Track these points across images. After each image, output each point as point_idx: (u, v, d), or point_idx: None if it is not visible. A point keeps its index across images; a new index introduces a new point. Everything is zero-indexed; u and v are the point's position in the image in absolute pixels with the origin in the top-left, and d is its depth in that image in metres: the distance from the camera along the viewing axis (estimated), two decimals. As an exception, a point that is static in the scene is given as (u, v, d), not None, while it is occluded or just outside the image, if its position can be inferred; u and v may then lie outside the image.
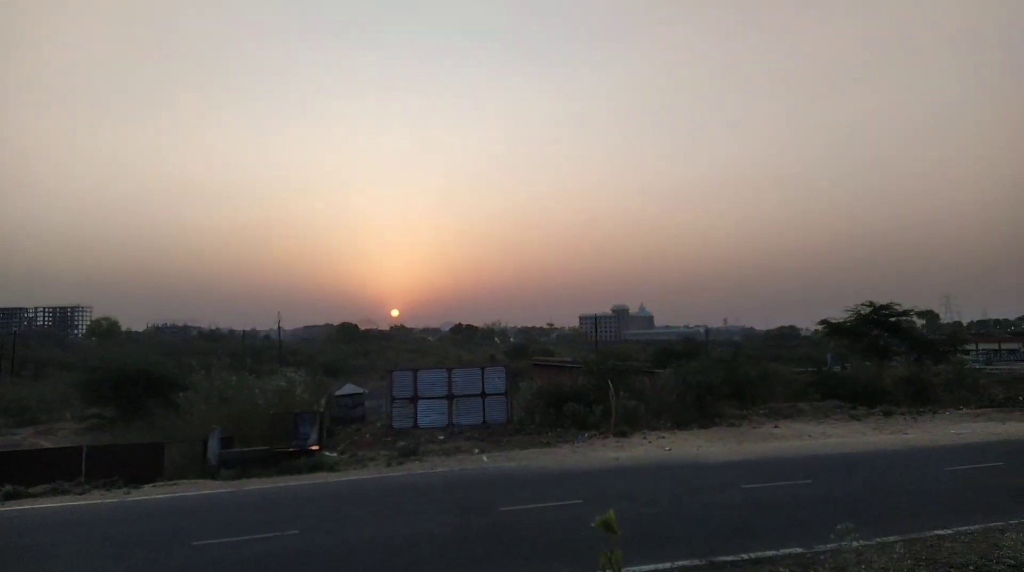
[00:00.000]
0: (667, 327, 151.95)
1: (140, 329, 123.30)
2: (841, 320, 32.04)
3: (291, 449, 17.14)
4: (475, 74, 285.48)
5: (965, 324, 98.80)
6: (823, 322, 33.53)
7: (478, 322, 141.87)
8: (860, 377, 28.88)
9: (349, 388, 30.67)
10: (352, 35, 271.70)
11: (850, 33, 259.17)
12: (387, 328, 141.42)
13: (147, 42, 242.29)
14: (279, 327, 71.34)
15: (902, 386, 26.55)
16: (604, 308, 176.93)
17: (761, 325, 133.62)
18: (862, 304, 31.14)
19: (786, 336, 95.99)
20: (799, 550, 8.18)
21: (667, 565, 7.90)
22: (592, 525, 2.93)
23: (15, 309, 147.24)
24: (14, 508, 12.98)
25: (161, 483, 15.06)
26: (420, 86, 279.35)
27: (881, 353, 30.67)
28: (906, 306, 31.02)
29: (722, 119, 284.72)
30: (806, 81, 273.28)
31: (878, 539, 8.63)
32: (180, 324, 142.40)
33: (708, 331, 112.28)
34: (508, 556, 8.55)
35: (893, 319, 30.60)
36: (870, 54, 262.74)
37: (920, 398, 25.00)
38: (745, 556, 8.15)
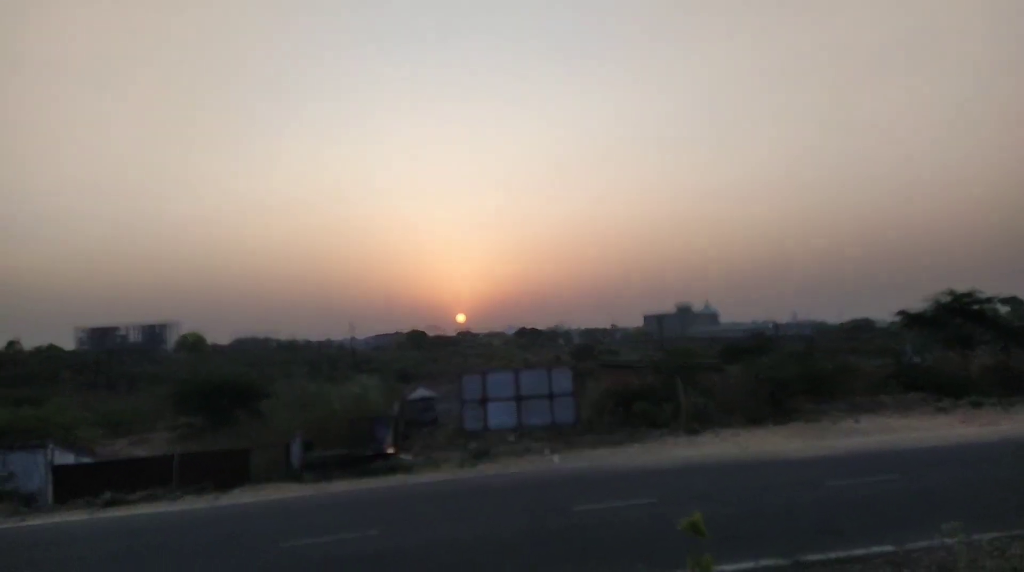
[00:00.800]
0: (733, 323, 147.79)
1: (224, 342, 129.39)
2: (920, 310, 30.55)
3: (369, 453, 17.69)
4: (532, 79, 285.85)
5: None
6: (901, 313, 32.02)
7: (542, 325, 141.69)
8: (943, 368, 27.40)
9: (421, 392, 31.28)
10: (413, 45, 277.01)
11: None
12: (454, 333, 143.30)
13: (217, 62, 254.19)
14: (352, 336, 73.65)
15: (989, 376, 25.01)
16: (668, 307, 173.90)
17: (833, 318, 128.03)
18: (942, 292, 29.65)
19: (861, 328, 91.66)
20: (891, 548, 7.88)
21: (750, 565, 7.77)
22: (679, 528, 2.94)
23: (109, 328, 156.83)
24: (114, 514, 13.94)
25: (248, 487, 15.84)
26: (481, 92, 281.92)
27: (964, 342, 29.05)
28: (989, 293, 29.37)
29: (781, 111, 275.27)
30: (852, 69, 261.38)
31: (976, 535, 8.24)
32: (261, 336, 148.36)
33: (777, 326, 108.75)
34: (584, 556, 8.58)
35: (976, 306, 28.96)
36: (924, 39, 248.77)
37: (1010, 388, 23.52)
38: (833, 555, 7.92)
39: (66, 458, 17.89)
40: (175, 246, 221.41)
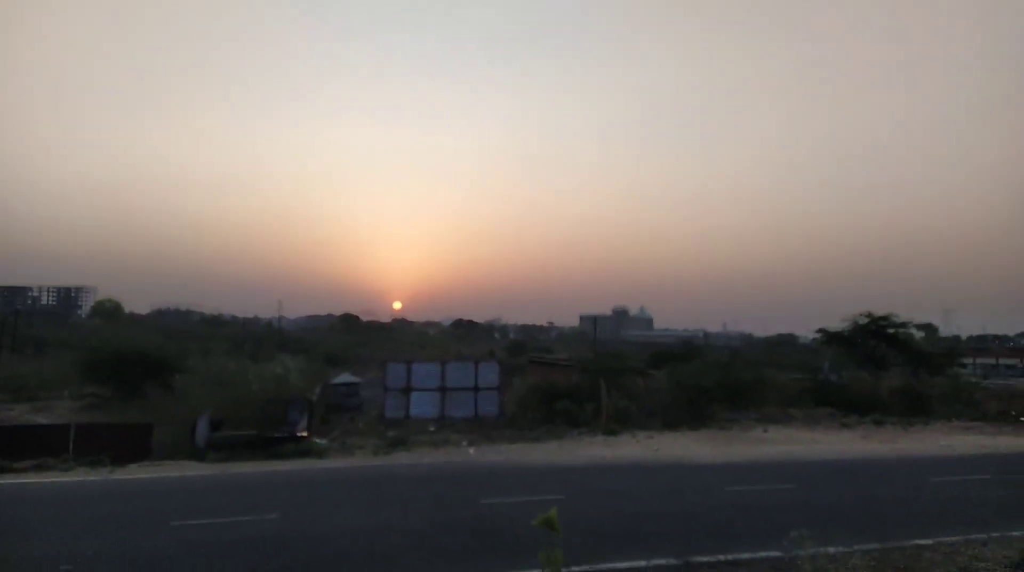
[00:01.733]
0: (667, 329, 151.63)
1: (144, 312, 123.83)
2: (839, 329, 32.01)
3: (279, 435, 17.18)
4: (485, 71, 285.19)
5: (964, 338, 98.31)
6: (820, 330, 33.51)
7: (479, 318, 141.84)
8: (855, 386, 28.81)
9: (345, 377, 30.72)
10: (358, 22, 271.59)
11: (862, 40, 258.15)
12: (389, 320, 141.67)
13: (153, 31, 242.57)
14: (280, 315, 71.73)
15: (897, 397, 26.45)
16: (605, 309, 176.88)
17: (761, 331, 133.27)
18: (860, 314, 31.14)
19: (784, 343, 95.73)
20: (776, 554, 8.14)
21: (643, 563, 7.89)
22: (533, 523, 2.88)
23: (19, 287, 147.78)
24: (-2, 482, 13.05)
25: (147, 463, 15.12)
26: (428, 79, 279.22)
27: (878, 363, 30.62)
28: (906, 318, 31.05)
29: (729, 126, 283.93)
30: (810, 89, 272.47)
31: (858, 546, 8.62)
32: (183, 308, 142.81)
33: (707, 335, 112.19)
34: (485, 548, 8.55)
35: (891, 330, 30.56)
36: (880, 64, 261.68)
37: (914, 409, 24.94)
38: (723, 557, 8.14)
39: (-51, 421, 16.66)
40: (98, 210, 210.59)
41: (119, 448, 15.55)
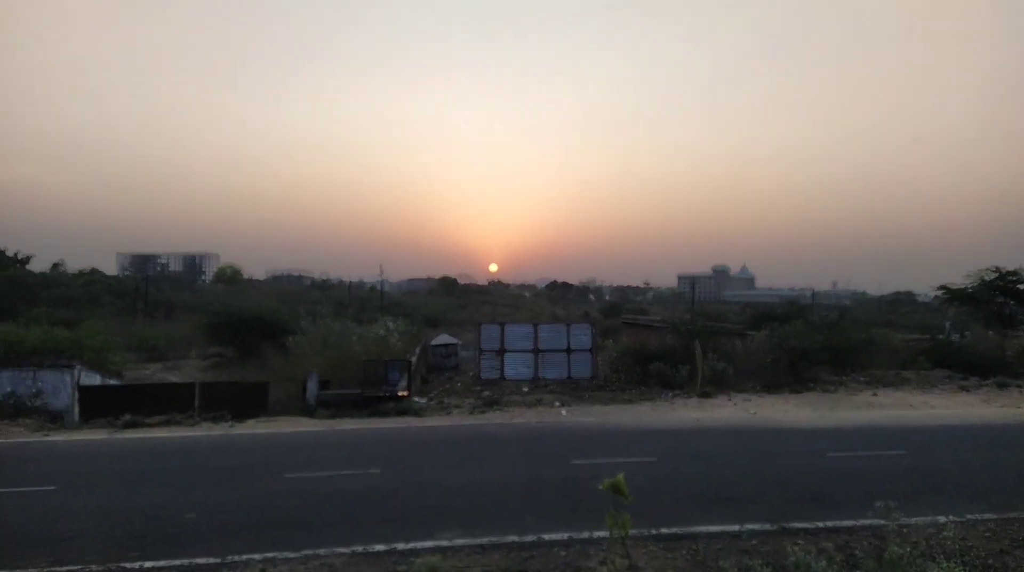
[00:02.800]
0: (771, 290, 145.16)
1: (261, 277, 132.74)
2: (963, 286, 29.48)
3: (381, 394, 18.08)
4: (573, 35, 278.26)
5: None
6: (942, 288, 30.97)
7: (574, 279, 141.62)
8: (977, 347, 26.57)
9: (444, 338, 31.65)
10: (462, 4, 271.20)
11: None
12: (485, 283, 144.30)
13: (264, 10, 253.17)
14: (382, 278, 74.71)
15: (1024, 358, 24.22)
16: (704, 268, 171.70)
17: (875, 290, 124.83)
18: (987, 269, 28.51)
19: (901, 302, 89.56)
20: (881, 522, 7.80)
21: (736, 527, 7.78)
22: (600, 488, 2.90)
23: (149, 255, 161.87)
24: (131, 436, 14.55)
25: (263, 419, 16.35)
26: (526, 39, 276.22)
27: (1006, 322, 28.06)
28: None
29: (830, 79, 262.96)
30: (898, 42, 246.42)
31: (971, 516, 8.12)
32: (296, 273, 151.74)
33: (815, 294, 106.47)
34: (574, 508, 8.69)
35: (1021, 286, 27.83)
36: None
37: (1045, 371, 22.74)
38: (821, 524, 7.90)
39: (92, 379, 18.68)
40: (220, 183, 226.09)
41: (239, 404, 16.92)
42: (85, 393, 17.80)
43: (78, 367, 18.06)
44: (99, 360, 20.86)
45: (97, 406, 17.05)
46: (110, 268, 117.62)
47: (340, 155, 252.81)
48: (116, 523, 8.28)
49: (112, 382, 20.03)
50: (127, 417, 15.61)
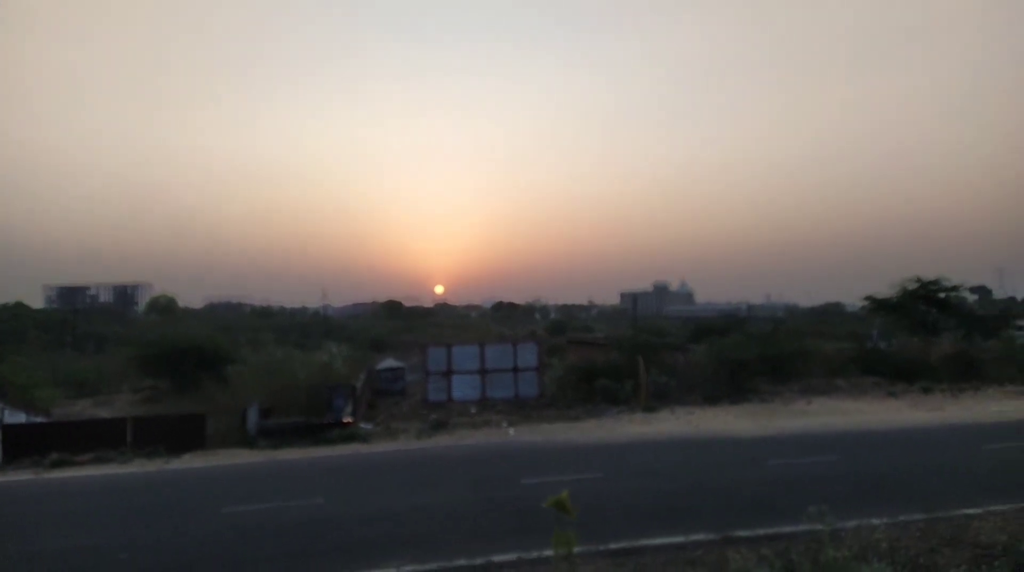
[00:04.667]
0: (709, 303, 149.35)
1: (197, 306, 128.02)
2: (887, 295, 31.07)
3: (325, 421, 17.68)
4: (515, 52, 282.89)
5: (1020, 299, 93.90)
6: (868, 297, 32.55)
7: (519, 299, 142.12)
8: (903, 353, 27.99)
9: (389, 362, 31.21)
10: (395, 19, 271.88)
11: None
12: (431, 305, 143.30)
13: (201, 28, 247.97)
14: (325, 304, 73.44)
15: (948, 363, 25.57)
16: (645, 285, 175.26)
17: (806, 302, 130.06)
18: (909, 279, 30.16)
19: (831, 312, 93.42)
20: (818, 527, 8.08)
21: (681, 539, 7.94)
22: (544, 505, 2.95)
23: (77, 287, 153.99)
24: (59, 475, 13.81)
25: (201, 452, 15.74)
26: (466, 67, 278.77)
27: (928, 329, 29.67)
28: (957, 281, 29.94)
29: (765, 93, 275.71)
30: (852, 53, 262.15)
31: (903, 517, 8.49)
32: (235, 301, 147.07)
33: (750, 308, 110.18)
34: (525, 528, 8.67)
35: (942, 294, 29.53)
36: (919, 21, 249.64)
37: (966, 375, 24.11)
38: (762, 532, 8.12)
39: (17, 417, 17.65)
40: (150, 209, 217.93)
41: (174, 438, 16.24)
42: (9, 432, 16.73)
43: (1, 405, 17.00)
44: (24, 397, 19.74)
45: (22, 446, 16.06)
46: (36, 301, 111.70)
47: (279, 179, 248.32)
48: (43, 569, 7.83)
49: (38, 420, 18.93)
50: (54, 456, 14.83)
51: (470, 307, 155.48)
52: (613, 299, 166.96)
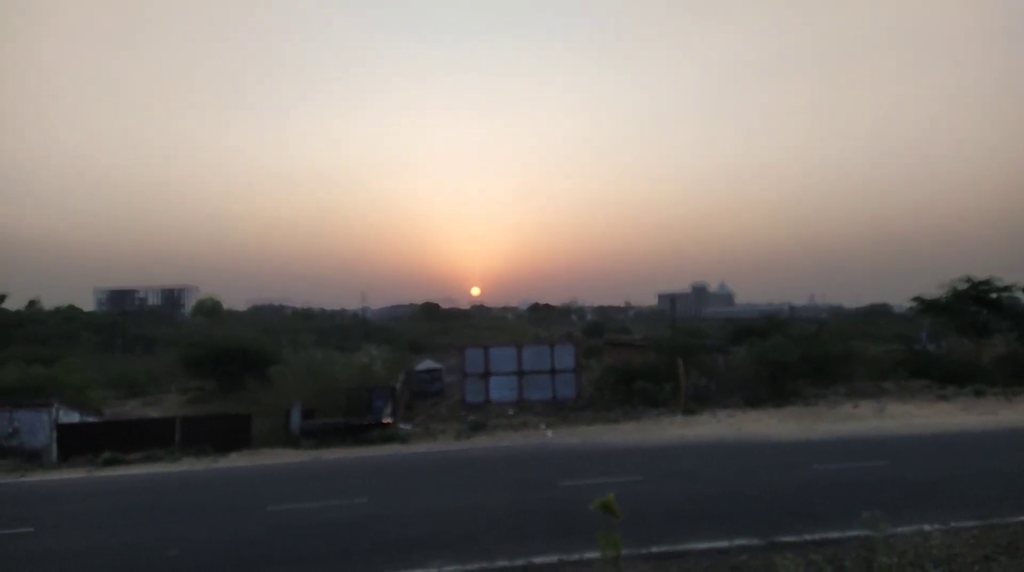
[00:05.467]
0: (749, 305, 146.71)
1: (241, 308, 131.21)
2: (936, 296, 30.10)
3: (365, 422, 17.93)
4: (551, 55, 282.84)
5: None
6: (916, 298, 31.58)
7: (556, 301, 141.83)
8: (954, 356, 27.07)
9: (428, 364, 31.51)
10: (430, 19, 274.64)
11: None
12: (468, 307, 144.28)
13: (241, 40, 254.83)
14: (364, 306, 74.59)
15: (1001, 365, 24.63)
16: (683, 286, 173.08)
17: (852, 303, 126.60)
18: (959, 279, 29.18)
19: (877, 313, 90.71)
20: (867, 533, 7.87)
21: (725, 544, 7.81)
22: (591, 507, 2.94)
23: (127, 290, 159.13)
24: (110, 473, 14.34)
25: (247, 452, 16.15)
26: (502, 69, 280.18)
27: (979, 330, 28.64)
28: (1010, 281, 28.83)
29: (806, 93, 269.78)
30: (894, 52, 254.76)
31: (955, 523, 8.22)
32: (277, 303, 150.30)
33: (793, 309, 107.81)
34: (562, 530, 8.65)
35: (993, 295, 28.49)
36: (961, 20, 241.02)
37: (1020, 378, 23.17)
38: (808, 537, 7.95)
39: (71, 417, 18.35)
40: (197, 214, 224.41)
41: (221, 438, 16.70)
42: (63, 431, 17.46)
43: (56, 405, 17.73)
44: (77, 398, 20.53)
45: (76, 444, 16.73)
46: (87, 304, 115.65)
47: (318, 183, 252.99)
48: (95, 565, 8.12)
49: (91, 419, 19.66)
50: (107, 455, 15.37)
51: (506, 309, 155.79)
52: (651, 301, 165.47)
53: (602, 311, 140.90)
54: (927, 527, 8.01)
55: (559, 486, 11.19)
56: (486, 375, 23.17)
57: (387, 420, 18.29)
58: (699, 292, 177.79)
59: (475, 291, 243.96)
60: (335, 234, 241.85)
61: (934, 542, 7.34)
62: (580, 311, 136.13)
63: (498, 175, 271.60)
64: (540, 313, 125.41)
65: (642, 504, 9.74)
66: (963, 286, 28.99)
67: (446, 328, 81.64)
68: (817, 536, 7.97)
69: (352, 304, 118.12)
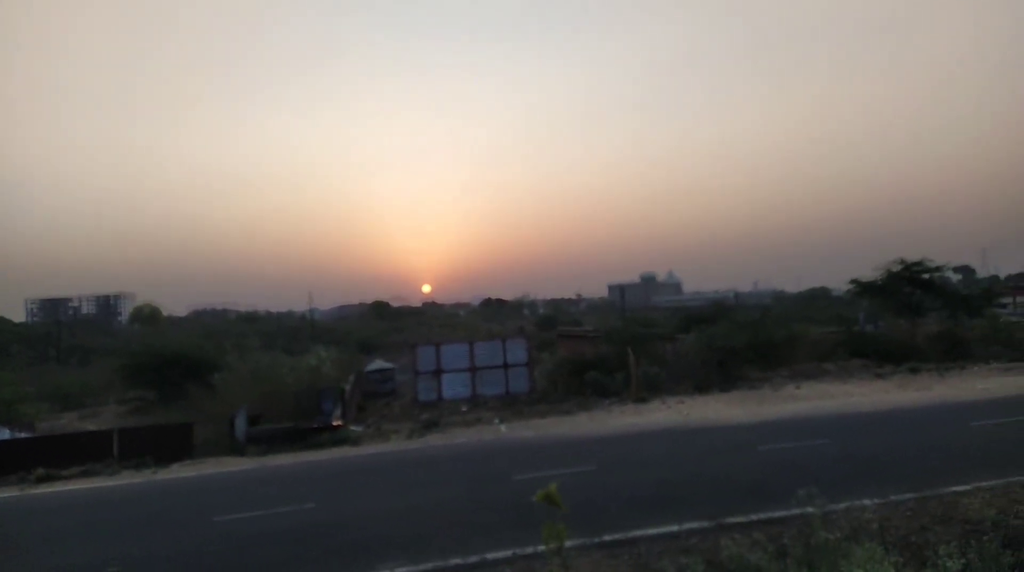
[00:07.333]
0: (697, 293, 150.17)
1: (181, 314, 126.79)
2: (872, 278, 31.35)
3: (314, 425, 17.53)
4: (494, 48, 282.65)
5: (1003, 278, 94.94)
6: (853, 281, 32.83)
7: (508, 295, 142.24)
8: (890, 335, 28.25)
9: (379, 363, 31.06)
10: (375, 16, 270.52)
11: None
12: (419, 304, 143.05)
13: (179, 35, 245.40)
14: (312, 307, 72.98)
15: (935, 343, 25.84)
16: (632, 277, 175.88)
17: (793, 287, 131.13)
18: (893, 261, 30.45)
19: (817, 297, 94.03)
20: (810, 510, 8.10)
21: (675, 528, 7.93)
22: (534, 499, 2.89)
23: (60, 299, 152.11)
24: (45, 490, 13.59)
25: (189, 462, 15.56)
26: (447, 67, 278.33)
27: (914, 310, 29.98)
28: (941, 262, 30.25)
29: (747, 82, 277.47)
30: (833, 41, 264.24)
31: (893, 497, 8.54)
32: (219, 308, 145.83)
33: (738, 295, 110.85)
34: (518, 523, 8.63)
35: (926, 275, 29.83)
36: (898, 12, 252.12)
37: (952, 355, 24.37)
38: (755, 517, 8.14)
39: (1, 434, 17.35)
40: (132, 217, 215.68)
41: (162, 449, 16.04)
42: (-8, 449, 16.47)
43: (-16, 422, 16.73)
44: (8, 413, 19.44)
45: (7, 462, 15.79)
46: (18, 315, 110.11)
47: (261, 183, 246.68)
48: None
49: (23, 435, 18.62)
50: (40, 471, 14.60)
51: (458, 305, 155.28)
52: (601, 292, 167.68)
53: (554, 304, 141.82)
54: (866, 501, 8.31)
55: (513, 480, 11.17)
56: (438, 373, 22.99)
57: (337, 422, 17.91)
58: (648, 282, 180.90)
59: (426, 289, 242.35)
60: (281, 235, 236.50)
61: (871, 515, 7.61)
62: (532, 305, 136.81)
63: (445, 171, 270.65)
64: (492, 308, 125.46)
65: (594, 493, 9.82)
66: (897, 268, 30.25)
67: (397, 327, 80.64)
68: (763, 516, 8.19)
69: (300, 306, 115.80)
